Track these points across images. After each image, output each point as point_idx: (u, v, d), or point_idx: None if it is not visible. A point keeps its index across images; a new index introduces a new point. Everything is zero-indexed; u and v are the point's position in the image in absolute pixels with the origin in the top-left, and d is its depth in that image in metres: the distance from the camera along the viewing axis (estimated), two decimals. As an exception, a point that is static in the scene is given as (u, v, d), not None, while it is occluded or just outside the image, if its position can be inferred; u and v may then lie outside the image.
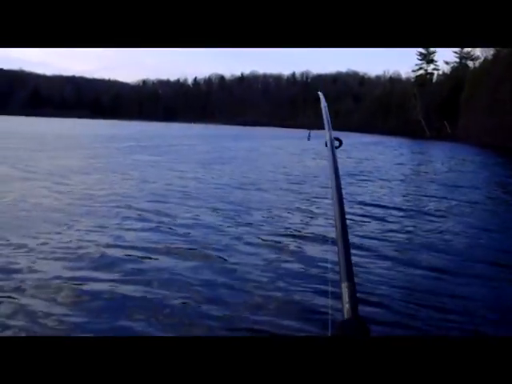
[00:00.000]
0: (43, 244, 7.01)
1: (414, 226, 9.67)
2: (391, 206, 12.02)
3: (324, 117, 1.89)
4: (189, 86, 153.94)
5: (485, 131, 49.30)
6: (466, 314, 5.22)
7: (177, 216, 9.46)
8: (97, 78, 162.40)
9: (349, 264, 1.01)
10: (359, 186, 15.40)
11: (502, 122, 45.33)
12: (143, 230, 8.30)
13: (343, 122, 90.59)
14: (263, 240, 7.92)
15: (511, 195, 15.93)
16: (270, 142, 46.61)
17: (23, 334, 4.06)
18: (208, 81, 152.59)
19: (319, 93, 2.29)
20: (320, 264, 6.46)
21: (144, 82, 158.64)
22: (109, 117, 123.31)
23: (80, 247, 6.94)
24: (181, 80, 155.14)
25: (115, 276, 5.87)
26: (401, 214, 11.05)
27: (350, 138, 47.77)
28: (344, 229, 1.10)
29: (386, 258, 7.17)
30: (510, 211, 12.89)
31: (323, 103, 2.05)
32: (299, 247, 7.57)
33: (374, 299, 5.37)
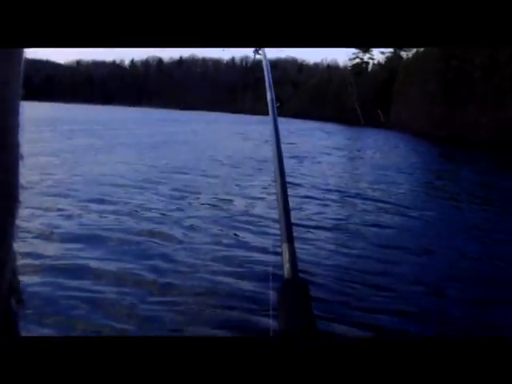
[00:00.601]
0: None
1: (343, 206, 10.39)
2: (325, 187, 12.63)
3: (266, 76, 1.80)
4: (125, 68, 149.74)
5: (416, 120, 51.34)
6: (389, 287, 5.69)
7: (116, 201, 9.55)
8: (27, 57, 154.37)
9: (289, 225, 1.02)
10: (293, 170, 15.86)
11: (432, 112, 47.42)
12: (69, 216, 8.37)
13: (282, 108, 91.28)
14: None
15: (436, 179, 17.01)
16: (211, 126, 46.18)
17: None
18: (146, 63, 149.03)
19: (262, 50, 2.08)
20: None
21: (78, 62, 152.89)
22: (41, 99, 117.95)
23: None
24: (117, 62, 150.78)
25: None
26: (334, 195, 11.68)
27: (287, 124, 48.39)
28: (284, 191, 1.11)
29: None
30: (435, 194, 13.70)
31: (265, 61, 1.91)
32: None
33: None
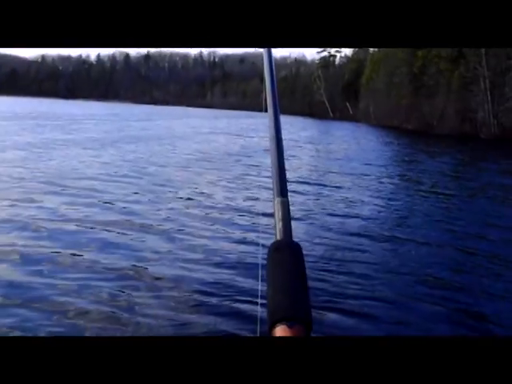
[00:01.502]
0: None
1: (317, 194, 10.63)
2: (298, 180, 12.74)
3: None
4: (92, 62, 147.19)
5: (383, 113, 52.06)
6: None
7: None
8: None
9: (282, 178, 0.96)
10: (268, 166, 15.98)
11: (399, 105, 48.12)
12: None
13: (251, 102, 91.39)
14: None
15: (400, 168, 17.35)
16: (180, 121, 45.91)
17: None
18: (112, 58, 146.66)
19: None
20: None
21: (43, 57, 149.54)
22: (4, 93, 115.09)
23: None
24: (83, 56, 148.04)
25: None
26: (306, 186, 11.92)
27: (255, 119, 48.41)
28: (278, 143, 1.06)
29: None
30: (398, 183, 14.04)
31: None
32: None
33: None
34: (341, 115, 68.74)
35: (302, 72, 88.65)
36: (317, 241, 7.16)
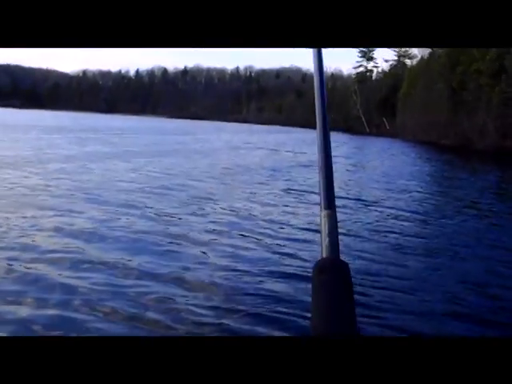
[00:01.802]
0: None
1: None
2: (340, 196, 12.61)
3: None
4: (131, 77, 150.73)
5: (421, 128, 51.26)
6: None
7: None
8: (34, 67, 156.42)
9: (330, 190, 0.92)
10: (308, 177, 15.98)
11: (436, 120, 47.31)
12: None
13: (286, 117, 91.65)
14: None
15: (438, 185, 16.91)
16: (217, 135, 46.41)
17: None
18: (151, 73, 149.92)
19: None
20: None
21: (84, 72, 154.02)
22: (47, 107, 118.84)
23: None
24: (122, 71, 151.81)
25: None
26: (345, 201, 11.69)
27: (290, 134, 48.52)
28: (327, 154, 1.02)
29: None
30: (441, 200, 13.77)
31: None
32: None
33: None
34: (377, 130, 68.14)
35: (338, 87, 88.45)
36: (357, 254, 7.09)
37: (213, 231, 8.09)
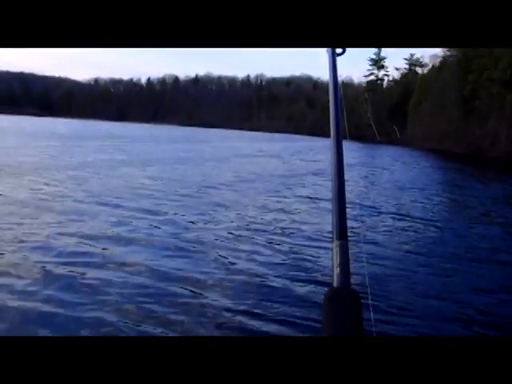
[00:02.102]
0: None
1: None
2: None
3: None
4: (142, 85, 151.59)
5: (432, 137, 50.97)
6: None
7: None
8: (47, 75, 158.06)
9: (342, 221, 0.93)
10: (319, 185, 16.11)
11: (448, 128, 47.02)
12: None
13: (297, 125, 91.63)
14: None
15: (450, 194, 16.80)
16: (229, 143, 46.57)
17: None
18: (162, 81, 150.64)
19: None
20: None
21: (96, 80, 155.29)
22: (59, 115, 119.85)
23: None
24: (134, 79, 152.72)
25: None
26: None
27: (302, 142, 48.40)
28: (340, 185, 1.02)
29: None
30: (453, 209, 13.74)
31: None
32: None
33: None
34: (388, 139, 67.84)
35: (349, 95, 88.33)
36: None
37: (235, 237, 8.26)
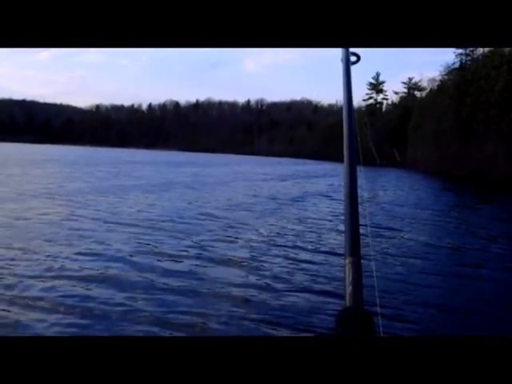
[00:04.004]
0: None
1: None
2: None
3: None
4: (143, 111, 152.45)
5: (431, 159, 51.13)
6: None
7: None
8: (49, 102, 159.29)
9: (355, 237, 0.89)
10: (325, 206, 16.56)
11: (447, 151, 47.20)
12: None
13: (297, 149, 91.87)
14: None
15: (457, 214, 16.91)
16: (231, 168, 46.85)
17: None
18: (163, 107, 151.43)
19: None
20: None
21: (97, 106, 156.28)
22: (60, 142, 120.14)
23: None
24: (135, 106, 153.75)
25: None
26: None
27: (302, 166, 48.57)
28: (353, 200, 1.00)
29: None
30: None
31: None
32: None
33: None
34: (388, 162, 67.87)
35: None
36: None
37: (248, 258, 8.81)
